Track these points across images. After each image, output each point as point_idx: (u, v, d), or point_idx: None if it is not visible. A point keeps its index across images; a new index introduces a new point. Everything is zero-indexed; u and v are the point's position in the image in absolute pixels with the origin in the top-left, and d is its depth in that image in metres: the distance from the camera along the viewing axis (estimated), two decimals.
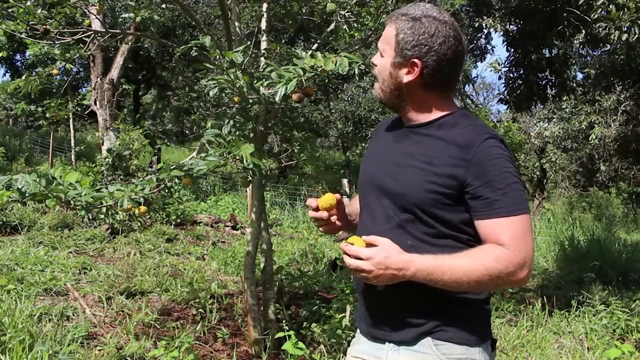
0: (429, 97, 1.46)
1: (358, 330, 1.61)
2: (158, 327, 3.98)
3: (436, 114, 1.47)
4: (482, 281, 1.30)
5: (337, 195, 1.58)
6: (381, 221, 1.47)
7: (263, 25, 4.07)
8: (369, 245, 1.37)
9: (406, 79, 1.43)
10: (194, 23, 6.90)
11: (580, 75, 8.09)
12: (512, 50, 6.85)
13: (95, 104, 10.09)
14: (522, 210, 1.33)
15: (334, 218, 1.61)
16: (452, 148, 1.38)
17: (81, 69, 15.61)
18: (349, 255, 1.36)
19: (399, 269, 1.32)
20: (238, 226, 8.88)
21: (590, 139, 11.14)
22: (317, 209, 1.57)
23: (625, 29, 4.39)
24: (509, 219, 1.32)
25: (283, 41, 5.03)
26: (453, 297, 1.39)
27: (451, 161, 1.36)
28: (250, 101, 3.12)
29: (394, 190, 1.45)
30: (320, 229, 1.63)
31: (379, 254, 1.32)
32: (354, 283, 1.73)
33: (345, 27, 3.77)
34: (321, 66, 2.35)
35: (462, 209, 1.38)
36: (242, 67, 2.78)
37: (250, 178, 2.91)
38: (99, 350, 3.45)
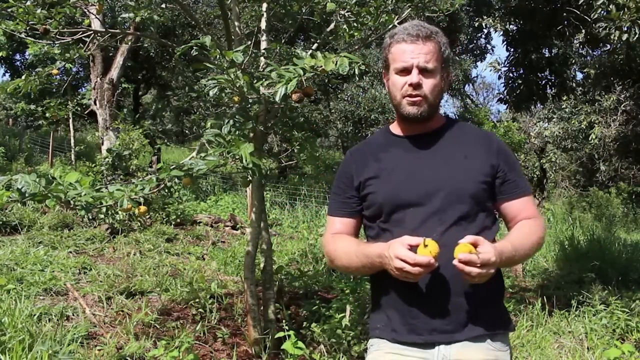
0: None
1: (383, 343, 1.57)
2: (158, 327, 3.98)
3: (441, 120, 1.64)
4: (536, 249, 1.56)
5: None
6: (433, 225, 1.48)
7: (263, 25, 4.07)
8: (474, 245, 1.36)
9: (446, 89, 1.62)
10: (193, 23, 6.90)
11: (580, 75, 8.09)
12: (512, 50, 6.84)
13: (95, 103, 10.09)
14: (531, 188, 1.67)
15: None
16: (478, 143, 1.58)
17: (81, 69, 15.61)
18: (479, 266, 1.33)
19: (496, 261, 1.38)
20: (238, 226, 8.87)
21: (590, 138, 11.14)
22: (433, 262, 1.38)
23: (626, 29, 4.39)
24: (531, 197, 1.62)
25: (283, 41, 5.02)
26: (499, 289, 1.59)
27: (483, 152, 1.56)
28: (250, 101, 3.12)
29: (449, 188, 1.51)
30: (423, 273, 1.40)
31: (496, 253, 1.37)
32: (392, 291, 1.55)
33: (345, 26, 3.77)
34: (321, 66, 2.35)
35: (492, 198, 1.58)
36: (242, 67, 2.78)
37: (250, 178, 2.91)
38: (99, 350, 3.44)
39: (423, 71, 1.50)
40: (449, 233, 1.47)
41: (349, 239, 1.63)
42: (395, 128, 1.66)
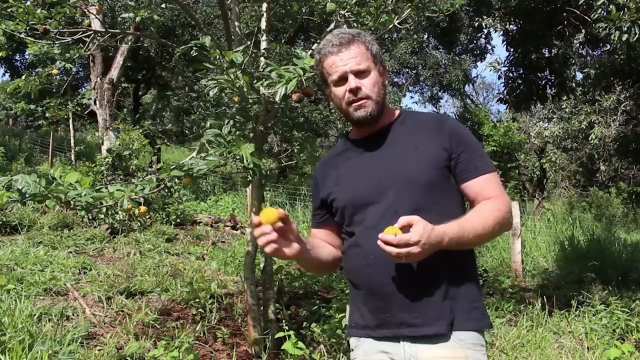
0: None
1: (357, 339, 1.62)
2: (158, 327, 3.98)
3: (393, 114, 1.67)
4: (494, 230, 1.51)
5: (281, 211, 1.44)
6: (390, 220, 1.47)
7: (263, 25, 4.07)
8: (403, 228, 1.37)
9: (385, 81, 1.65)
10: (193, 23, 6.90)
11: (580, 75, 8.08)
12: (512, 50, 6.84)
13: (95, 103, 10.08)
14: (494, 167, 1.62)
15: (274, 235, 1.43)
16: (429, 129, 1.60)
17: (81, 69, 15.60)
18: (395, 245, 1.34)
19: (438, 242, 1.39)
20: (238, 226, 8.87)
21: (590, 138, 11.14)
22: (259, 225, 1.43)
23: (626, 30, 4.39)
24: (492, 175, 1.58)
25: (283, 41, 5.02)
26: (472, 285, 1.55)
27: (435, 138, 1.57)
28: (250, 101, 3.12)
29: (400, 181, 1.53)
30: (266, 248, 1.44)
31: (425, 234, 1.36)
32: (360, 288, 1.60)
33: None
34: None
35: (454, 181, 1.57)
36: (242, 67, 2.78)
37: (250, 178, 2.91)
38: (99, 350, 3.45)
39: (358, 74, 1.56)
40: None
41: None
42: (351, 133, 1.73)
